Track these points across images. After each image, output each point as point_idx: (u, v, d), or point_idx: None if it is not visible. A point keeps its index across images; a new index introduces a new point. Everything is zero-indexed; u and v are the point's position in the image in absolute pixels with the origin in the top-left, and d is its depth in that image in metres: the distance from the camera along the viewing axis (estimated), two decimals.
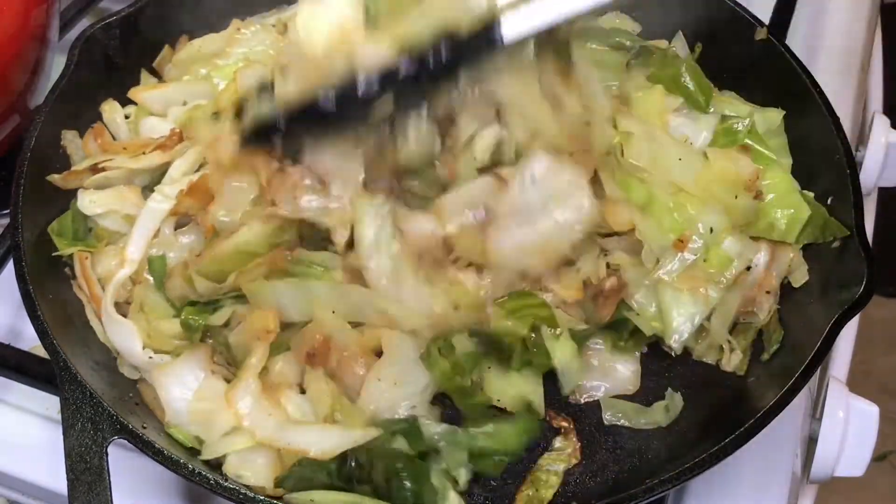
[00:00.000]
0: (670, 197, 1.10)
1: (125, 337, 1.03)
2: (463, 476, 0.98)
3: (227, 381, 1.00)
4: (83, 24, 1.31)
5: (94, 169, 1.12)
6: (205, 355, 1.02)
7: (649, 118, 1.16)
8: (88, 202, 1.10)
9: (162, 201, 1.08)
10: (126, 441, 0.90)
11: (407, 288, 1.02)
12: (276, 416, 0.96)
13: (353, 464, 0.96)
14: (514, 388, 1.04)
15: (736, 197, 1.10)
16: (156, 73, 1.25)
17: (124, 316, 1.05)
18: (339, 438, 0.95)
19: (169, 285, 1.06)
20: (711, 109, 1.20)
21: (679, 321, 1.07)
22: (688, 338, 1.07)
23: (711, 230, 1.08)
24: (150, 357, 1.02)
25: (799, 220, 1.11)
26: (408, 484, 0.94)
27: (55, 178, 1.11)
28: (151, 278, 1.07)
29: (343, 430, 0.96)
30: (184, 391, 0.99)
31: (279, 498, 0.91)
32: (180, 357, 1.01)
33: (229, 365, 1.03)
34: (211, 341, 1.05)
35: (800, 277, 1.10)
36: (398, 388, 1.00)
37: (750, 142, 1.16)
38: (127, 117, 1.19)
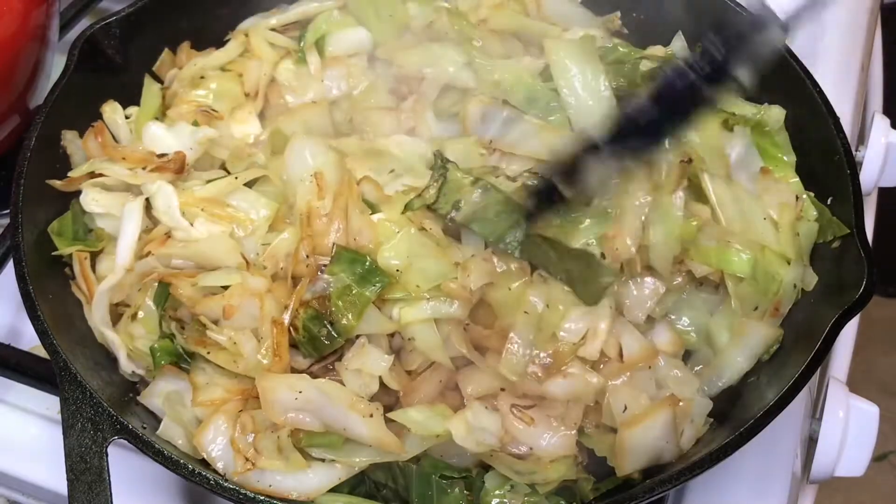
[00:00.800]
0: (766, 261, 1.04)
1: (112, 347, 1.03)
2: None
3: None
4: (83, 24, 1.31)
5: (92, 176, 1.11)
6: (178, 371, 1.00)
7: (716, 162, 1.09)
8: (91, 199, 1.09)
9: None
10: (126, 441, 0.90)
11: None
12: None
13: (371, 483, 0.95)
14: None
15: (798, 234, 1.07)
16: (157, 78, 1.24)
17: (127, 306, 1.04)
18: (322, 477, 0.93)
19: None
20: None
21: (741, 361, 1.04)
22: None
23: (795, 286, 1.05)
24: (133, 371, 1.03)
25: None
26: None
27: (56, 183, 1.10)
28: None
29: (325, 467, 0.93)
30: (175, 407, 0.98)
31: (281, 499, 0.91)
32: (156, 378, 1.00)
33: None
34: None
35: (809, 281, 1.07)
36: None
37: (769, 166, 1.13)
38: (128, 117, 1.19)
